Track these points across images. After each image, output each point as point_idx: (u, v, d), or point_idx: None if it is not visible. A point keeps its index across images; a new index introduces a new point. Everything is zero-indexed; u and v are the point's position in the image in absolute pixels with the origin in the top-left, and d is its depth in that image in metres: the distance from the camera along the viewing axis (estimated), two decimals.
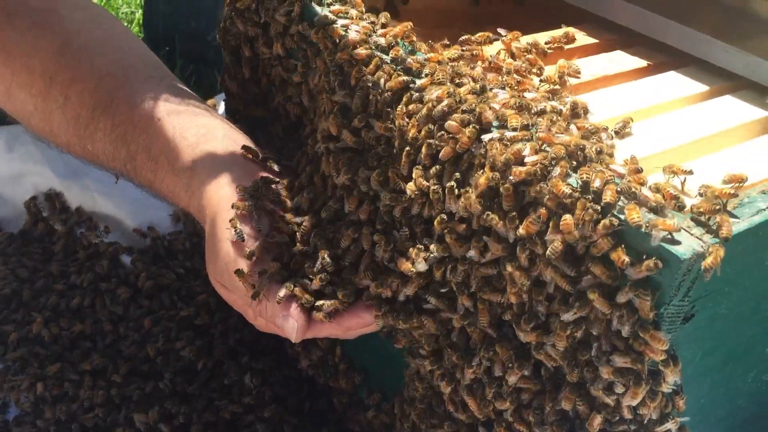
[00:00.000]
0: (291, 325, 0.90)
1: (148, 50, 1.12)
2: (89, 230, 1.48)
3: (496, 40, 1.06)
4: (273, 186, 0.99)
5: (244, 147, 1.03)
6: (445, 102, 0.84)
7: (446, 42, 1.05)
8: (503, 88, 0.91)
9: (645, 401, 0.75)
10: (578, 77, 1.02)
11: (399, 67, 0.92)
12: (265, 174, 1.00)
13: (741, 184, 0.78)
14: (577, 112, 0.89)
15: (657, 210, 0.73)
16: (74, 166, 1.53)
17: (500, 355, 0.83)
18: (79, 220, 1.50)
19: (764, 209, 0.75)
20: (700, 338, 0.79)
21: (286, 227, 0.97)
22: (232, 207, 0.93)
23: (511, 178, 0.77)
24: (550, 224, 0.74)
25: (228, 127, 1.07)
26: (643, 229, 0.70)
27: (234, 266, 0.92)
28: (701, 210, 0.73)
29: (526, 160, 0.77)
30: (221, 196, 0.97)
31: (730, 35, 1.01)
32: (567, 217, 0.73)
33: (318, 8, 1.03)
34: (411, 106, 0.87)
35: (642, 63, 1.08)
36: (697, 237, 0.70)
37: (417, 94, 0.87)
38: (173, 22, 2.10)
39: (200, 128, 1.03)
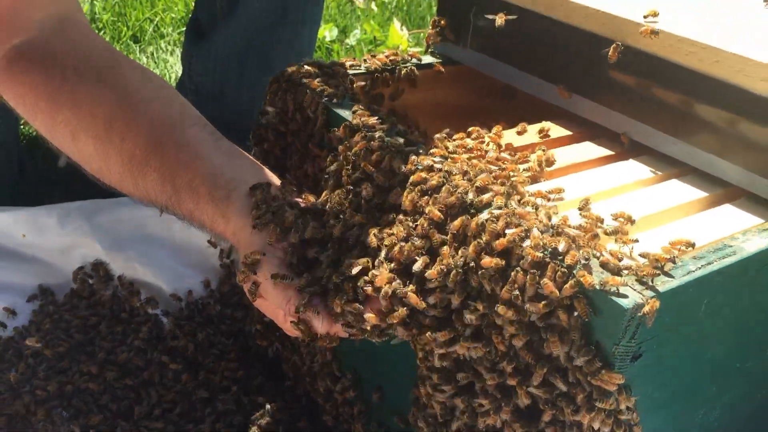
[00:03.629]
0: (318, 318, 1.06)
1: (191, 105, 1.30)
2: (131, 295, 1.67)
3: (488, 133, 1.29)
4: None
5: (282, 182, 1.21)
6: (443, 189, 1.05)
7: (444, 135, 1.27)
8: (490, 175, 1.11)
9: (605, 421, 0.94)
10: (553, 164, 1.23)
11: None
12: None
13: (684, 248, 0.98)
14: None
15: (611, 270, 0.93)
16: (119, 240, 1.74)
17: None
18: (122, 286, 1.69)
19: (693, 271, 0.95)
20: (650, 375, 0.98)
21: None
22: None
23: (495, 247, 0.97)
24: (527, 284, 0.94)
25: (261, 167, 1.25)
26: (597, 287, 0.90)
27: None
28: (644, 273, 0.93)
29: (507, 231, 0.98)
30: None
31: (677, 131, 1.22)
32: (546, 281, 0.92)
33: (338, 110, 1.26)
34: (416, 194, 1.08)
35: (606, 152, 1.29)
36: (638, 292, 0.90)
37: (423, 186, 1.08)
38: (198, 108, 2.33)
39: (236, 166, 1.21)
